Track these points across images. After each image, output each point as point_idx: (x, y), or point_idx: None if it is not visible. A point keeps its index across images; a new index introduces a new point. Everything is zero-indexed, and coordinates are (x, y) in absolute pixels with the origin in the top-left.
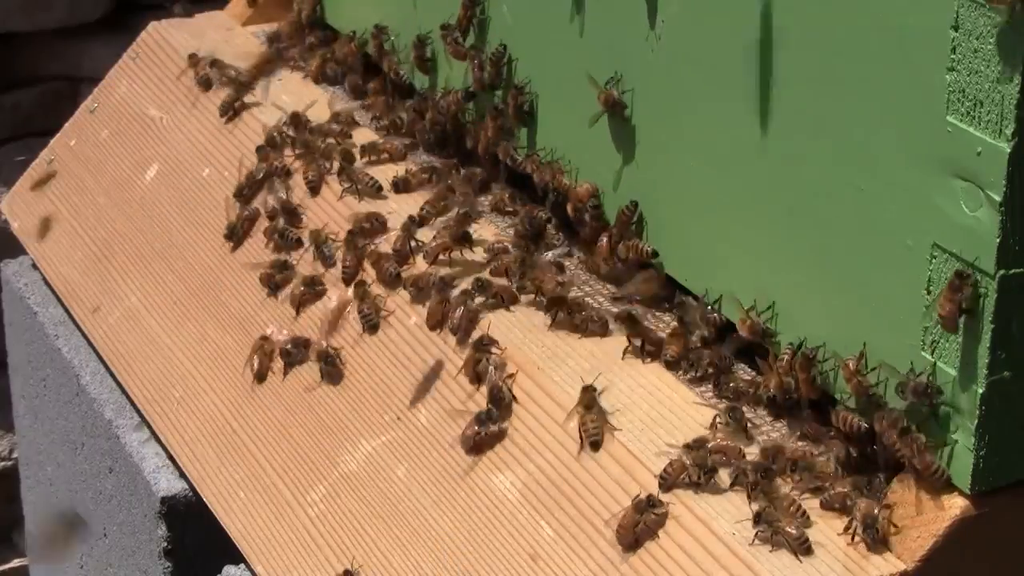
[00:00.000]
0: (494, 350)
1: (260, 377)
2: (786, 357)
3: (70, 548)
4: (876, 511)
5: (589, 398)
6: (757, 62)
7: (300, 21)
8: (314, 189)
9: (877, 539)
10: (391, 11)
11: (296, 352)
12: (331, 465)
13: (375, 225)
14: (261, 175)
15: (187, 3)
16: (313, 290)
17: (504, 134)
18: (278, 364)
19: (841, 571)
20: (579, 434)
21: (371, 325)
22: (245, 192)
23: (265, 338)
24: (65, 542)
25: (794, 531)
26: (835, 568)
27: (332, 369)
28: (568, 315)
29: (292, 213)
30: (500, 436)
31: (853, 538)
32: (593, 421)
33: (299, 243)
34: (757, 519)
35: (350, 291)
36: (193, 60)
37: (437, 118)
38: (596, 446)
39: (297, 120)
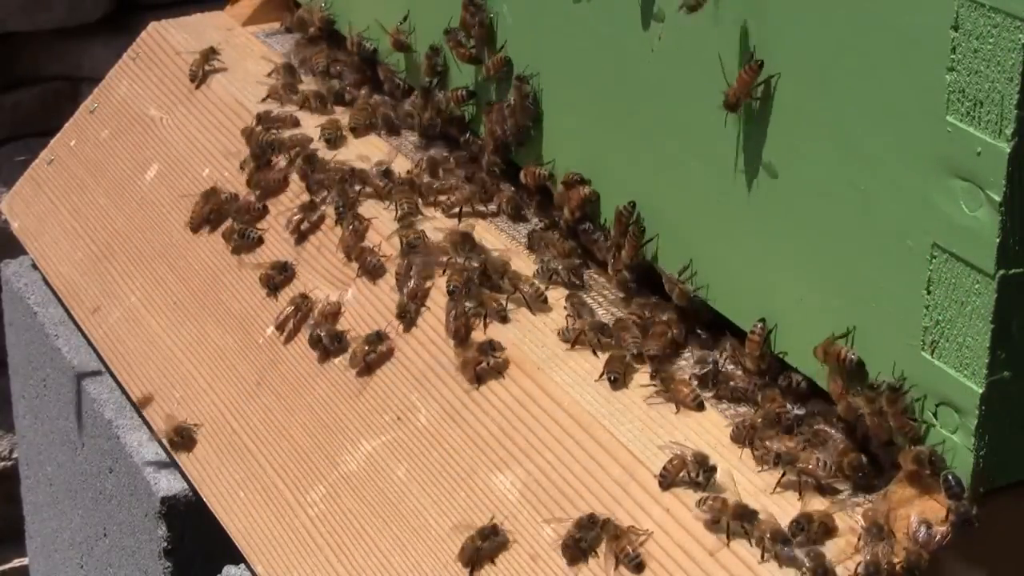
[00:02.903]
0: (496, 353)
1: (288, 336)
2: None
3: None
4: (883, 560)
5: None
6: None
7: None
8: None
9: None
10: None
11: (330, 346)
12: (331, 465)
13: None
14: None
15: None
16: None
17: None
18: (298, 347)
19: (841, 571)
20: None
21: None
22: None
23: (305, 296)
24: None
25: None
26: (835, 568)
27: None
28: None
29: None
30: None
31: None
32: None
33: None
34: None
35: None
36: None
37: (436, 115)
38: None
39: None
